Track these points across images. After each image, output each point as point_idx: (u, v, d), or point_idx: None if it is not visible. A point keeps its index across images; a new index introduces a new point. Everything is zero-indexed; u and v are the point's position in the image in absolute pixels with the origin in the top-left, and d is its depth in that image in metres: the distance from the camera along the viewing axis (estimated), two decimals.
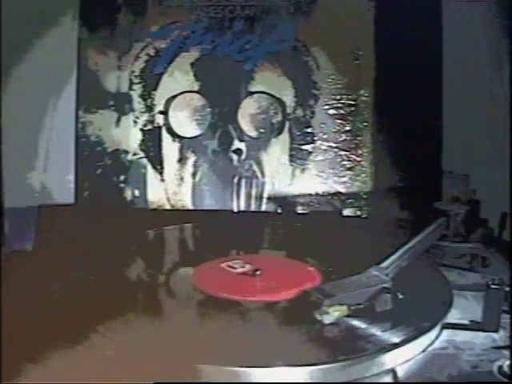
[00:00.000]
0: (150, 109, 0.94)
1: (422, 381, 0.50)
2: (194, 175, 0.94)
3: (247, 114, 0.94)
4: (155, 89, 0.94)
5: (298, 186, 0.94)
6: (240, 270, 0.69)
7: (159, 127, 0.94)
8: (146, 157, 0.94)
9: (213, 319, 0.58)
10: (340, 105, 0.93)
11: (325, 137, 0.94)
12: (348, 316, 0.56)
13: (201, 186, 0.94)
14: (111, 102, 0.94)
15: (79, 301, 0.60)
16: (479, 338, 0.56)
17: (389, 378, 0.50)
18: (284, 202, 0.94)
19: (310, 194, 0.94)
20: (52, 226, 0.79)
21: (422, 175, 0.89)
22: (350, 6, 0.93)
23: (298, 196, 0.94)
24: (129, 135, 0.94)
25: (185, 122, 0.94)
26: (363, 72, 0.93)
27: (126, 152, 0.94)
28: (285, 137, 0.94)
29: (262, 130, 0.94)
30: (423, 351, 0.54)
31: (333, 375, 0.49)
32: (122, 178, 0.94)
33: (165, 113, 0.94)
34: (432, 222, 0.76)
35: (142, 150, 0.94)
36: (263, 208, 0.94)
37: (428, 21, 0.90)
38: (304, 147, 0.94)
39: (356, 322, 0.56)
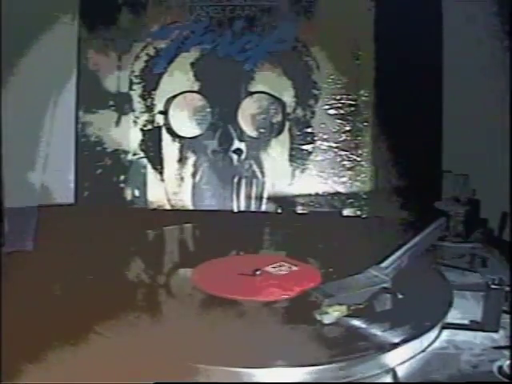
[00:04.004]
0: (150, 109, 0.94)
1: (421, 381, 0.50)
2: (193, 175, 0.94)
3: (247, 114, 0.94)
4: (155, 89, 0.94)
5: (298, 186, 0.94)
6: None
7: (159, 127, 0.94)
8: (146, 157, 0.94)
9: (213, 319, 0.58)
10: (340, 105, 0.93)
11: (325, 137, 0.94)
12: (348, 316, 0.56)
13: (201, 186, 0.94)
14: (111, 102, 0.94)
15: (79, 301, 0.60)
16: (479, 338, 0.56)
17: (389, 378, 0.50)
18: (284, 201, 0.94)
19: (310, 194, 0.94)
20: (52, 226, 0.79)
21: (422, 175, 0.89)
22: (350, 6, 0.93)
23: (298, 196, 0.94)
24: (129, 135, 0.94)
25: (185, 122, 0.94)
26: (363, 72, 0.93)
27: (126, 152, 0.94)
28: (285, 137, 0.94)
29: (262, 130, 0.94)
30: (423, 351, 0.54)
31: (333, 375, 0.49)
32: (122, 178, 0.94)
33: (165, 113, 0.94)
34: (432, 221, 0.76)
35: (142, 150, 0.94)
36: (263, 208, 0.94)
37: (428, 21, 0.90)
38: (304, 147, 0.94)
39: (356, 322, 0.56)
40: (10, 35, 0.85)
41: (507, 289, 0.57)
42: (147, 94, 0.94)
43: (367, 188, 0.93)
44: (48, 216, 0.83)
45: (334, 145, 0.93)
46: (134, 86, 0.94)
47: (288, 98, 0.94)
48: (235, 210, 0.93)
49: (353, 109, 0.93)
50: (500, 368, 0.50)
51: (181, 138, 0.94)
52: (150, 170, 0.94)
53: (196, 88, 0.94)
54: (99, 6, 0.94)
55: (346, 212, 0.93)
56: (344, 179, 0.94)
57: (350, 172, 0.94)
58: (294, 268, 0.69)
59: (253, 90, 0.94)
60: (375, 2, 0.92)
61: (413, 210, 0.88)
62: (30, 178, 0.90)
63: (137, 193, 0.94)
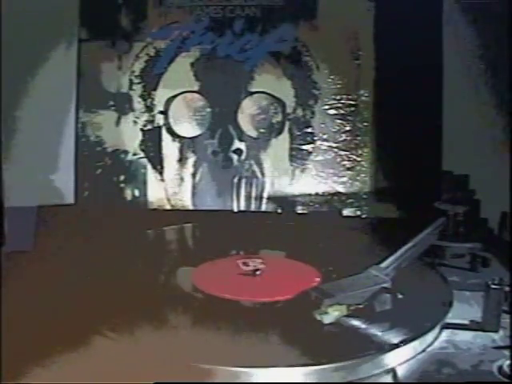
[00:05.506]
0: (149, 109, 0.94)
1: (421, 381, 0.50)
2: (193, 175, 0.94)
3: (247, 114, 0.94)
4: (155, 89, 0.94)
5: (298, 186, 0.94)
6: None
7: (159, 127, 0.94)
8: (146, 157, 0.94)
9: (213, 319, 0.58)
10: (340, 105, 0.93)
11: (325, 137, 0.94)
12: (348, 316, 0.56)
13: (201, 186, 0.94)
14: (111, 102, 0.94)
15: (79, 301, 0.60)
16: (479, 338, 0.56)
17: (389, 378, 0.50)
18: (284, 201, 0.94)
19: (310, 194, 0.94)
20: (52, 226, 0.79)
21: (422, 175, 0.89)
22: (350, 6, 0.93)
23: (298, 196, 0.94)
24: (129, 135, 0.94)
25: (185, 122, 0.94)
26: (363, 72, 0.93)
27: (126, 152, 0.94)
28: (285, 137, 0.94)
29: (262, 130, 0.94)
30: (423, 351, 0.54)
31: (332, 375, 0.49)
32: (122, 178, 0.94)
33: (165, 113, 0.94)
34: (432, 222, 0.76)
35: (142, 150, 0.94)
36: (263, 208, 0.94)
37: (428, 21, 0.90)
38: (304, 147, 0.94)
39: (356, 322, 0.56)
40: (10, 35, 0.85)
41: (507, 289, 0.57)
42: (147, 94, 0.94)
43: (367, 188, 0.93)
44: (48, 216, 0.83)
45: (334, 145, 0.93)
46: (134, 86, 0.94)
47: (288, 98, 0.94)
48: (235, 209, 0.93)
49: (353, 109, 0.93)
50: (500, 368, 0.50)
51: (181, 137, 0.94)
52: (150, 170, 0.94)
53: (196, 88, 0.94)
54: (99, 6, 0.94)
55: (346, 212, 0.93)
56: (344, 179, 0.94)
57: (349, 172, 0.94)
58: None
59: (253, 90, 0.94)
60: (375, 2, 0.92)
61: (413, 210, 0.88)
62: (30, 177, 0.90)
63: (137, 193, 0.94)
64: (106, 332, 0.53)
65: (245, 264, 0.69)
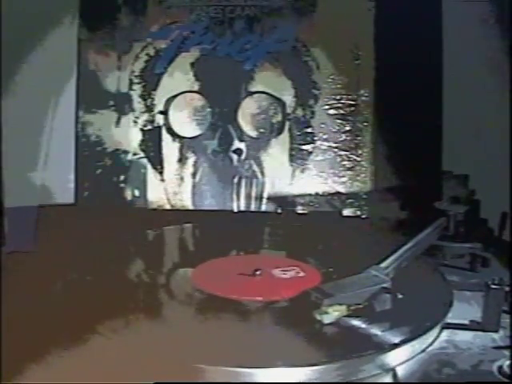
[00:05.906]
0: (149, 109, 0.94)
1: (421, 381, 0.49)
2: (194, 175, 0.94)
3: (247, 113, 0.94)
4: (155, 89, 0.94)
5: (298, 186, 0.94)
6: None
7: (159, 127, 0.94)
8: (146, 157, 0.94)
9: (213, 319, 0.58)
10: (340, 105, 0.93)
11: (325, 137, 0.94)
12: (347, 316, 0.56)
13: (201, 186, 0.94)
14: (111, 102, 0.94)
15: (79, 301, 0.60)
16: (479, 338, 0.56)
17: (389, 378, 0.50)
18: (284, 201, 0.94)
19: (310, 194, 0.94)
20: (52, 225, 0.79)
21: (422, 175, 0.89)
22: (350, 6, 0.93)
23: (298, 196, 0.94)
24: (129, 135, 0.94)
25: (185, 122, 0.94)
26: (363, 72, 0.93)
27: (126, 152, 0.94)
28: (285, 137, 0.94)
29: (262, 130, 0.94)
30: (423, 351, 0.54)
31: (332, 375, 0.49)
32: (122, 177, 0.94)
33: (165, 113, 0.94)
34: (432, 222, 0.76)
35: (142, 150, 0.94)
36: (263, 208, 0.94)
37: (428, 20, 0.90)
38: (304, 147, 0.94)
39: (356, 322, 0.56)
40: (10, 35, 0.85)
41: (507, 289, 0.57)
42: (147, 94, 0.94)
43: (367, 188, 0.93)
44: (48, 216, 0.83)
45: (334, 145, 0.93)
46: (134, 86, 0.94)
47: (288, 98, 0.94)
48: (235, 209, 0.93)
49: (353, 109, 0.93)
50: (500, 368, 0.50)
51: (181, 137, 0.94)
52: (150, 170, 0.94)
53: (196, 88, 0.94)
54: (99, 6, 0.94)
55: (346, 212, 0.93)
56: (344, 179, 0.94)
57: (349, 172, 0.94)
58: (301, 274, 0.68)
59: (253, 89, 0.94)
60: (375, 2, 0.92)
61: (413, 210, 0.88)
62: (30, 177, 0.90)
63: (137, 193, 0.94)
64: (106, 332, 0.53)
65: (283, 271, 0.69)
